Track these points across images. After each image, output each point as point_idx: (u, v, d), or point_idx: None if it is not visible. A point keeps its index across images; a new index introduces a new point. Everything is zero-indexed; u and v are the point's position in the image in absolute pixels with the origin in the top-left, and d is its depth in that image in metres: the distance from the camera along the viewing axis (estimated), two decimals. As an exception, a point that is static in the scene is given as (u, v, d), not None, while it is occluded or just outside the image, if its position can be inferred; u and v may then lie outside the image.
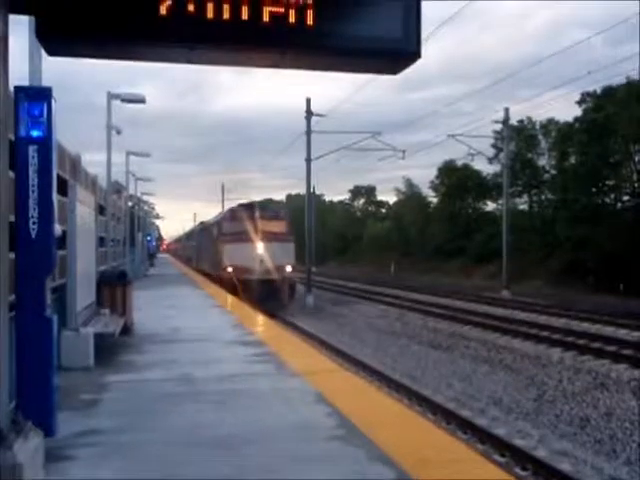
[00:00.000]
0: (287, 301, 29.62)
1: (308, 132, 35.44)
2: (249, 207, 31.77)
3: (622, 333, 19.30)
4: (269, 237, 29.45)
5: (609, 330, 20.12)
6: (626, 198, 41.70)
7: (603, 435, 11.08)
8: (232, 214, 32.07)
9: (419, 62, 3.28)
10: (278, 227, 30.54)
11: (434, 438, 5.77)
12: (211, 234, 35.47)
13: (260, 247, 29.12)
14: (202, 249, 42.87)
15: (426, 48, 3.09)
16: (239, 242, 29.29)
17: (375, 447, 5.34)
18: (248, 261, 28.70)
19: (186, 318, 14.98)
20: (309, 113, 35.42)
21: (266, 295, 27.42)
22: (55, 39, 2.69)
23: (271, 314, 22.42)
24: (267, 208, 32.81)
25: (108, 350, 10.09)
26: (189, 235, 65.04)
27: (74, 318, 9.30)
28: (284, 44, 2.85)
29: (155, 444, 5.62)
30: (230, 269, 28.93)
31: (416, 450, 5.39)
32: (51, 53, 2.84)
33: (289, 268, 29.81)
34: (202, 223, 49.00)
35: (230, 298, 21.75)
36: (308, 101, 35.58)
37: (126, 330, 12.09)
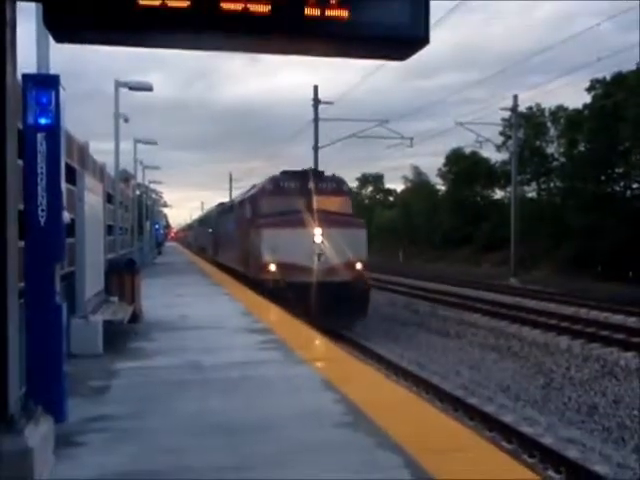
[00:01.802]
0: (360, 314, 19.88)
1: (316, 120, 35.34)
2: (299, 176, 21.18)
3: (631, 321, 19.24)
4: (331, 220, 19.80)
5: (618, 318, 20.07)
6: (635, 186, 41.44)
7: (611, 423, 11.07)
8: (275, 186, 21.23)
9: (428, 49, 3.25)
10: (342, 205, 21.14)
11: (442, 425, 5.78)
12: (239, 216, 25.54)
13: (319, 235, 19.30)
14: (223, 237, 33.32)
15: (435, 35, 3.07)
16: (287, 227, 19.41)
17: (383, 434, 5.36)
18: (301, 256, 19.10)
19: (194, 306, 15.02)
20: (316, 101, 35.31)
21: (328, 306, 18.26)
22: (62, 25, 2.69)
23: (335, 333, 16.57)
24: (326, 178, 21.56)
25: (117, 337, 10.14)
26: (203, 220, 55.05)
27: (83, 306, 9.35)
28: (291, 30, 2.84)
29: (164, 431, 5.65)
30: (273, 267, 19.24)
31: (424, 437, 5.40)
32: (58, 40, 2.84)
33: (359, 266, 19.80)
34: (222, 204, 40.51)
35: (268, 306, 15.35)
36: (315, 89, 35.47)
37: (135, 318, 12.15)
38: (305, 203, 20.24)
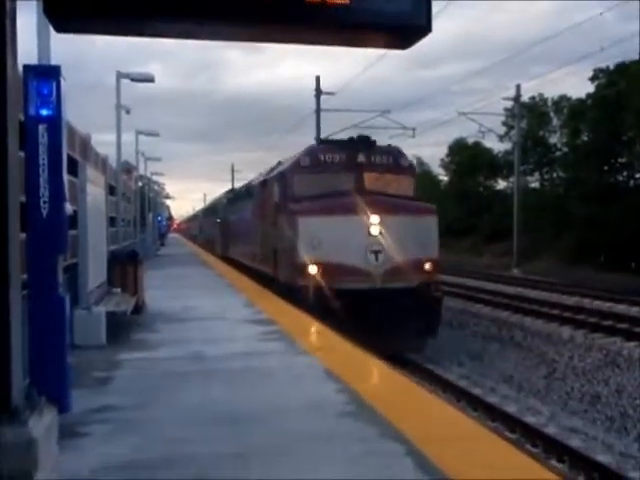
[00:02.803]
0: (429, 331, 14.97)
1: (317, 110, 35.28)
2: (345, 146, 16.03)
3: (634, 311, 19.23)
4: (392, 205, 14.95)
5: (621, 308, 20.06)
6: (639, 176, 41.34)
7: (614, 412, 11.09)
8: (313, 160, 15.94)
9: (430, 39, 3.23)
10: (403, 185, 16.05)
11: (444, 415, 5.79)
12: (262, 201, 20.05)
13: (377, 225, 14.36)
14: (237, 228, 27.48)
15: (437, 24, 3.04)
16: (332, 214, 14.54)
17: (385, 424, 5.37)
18: (353, 254, 14.29)
19: (197, 297, 15.04)
20: (318, 91, 35.24)
21: (388, 322, 13.84)
22: (63, 15, 2.67)
23: (399, 357, 13.25)
24: (380, 149, 16.30)
25: (120, 329, 10.16)
26: (210, 209, 47.29)
27: (86, 297, 9.36)
28: (293, 18, 2.82)
29: (167, 421, 5.67)
30: (314, 269, 14.28)
31: (426, 427, 5.41)
32: (59, 29, 2.83)
33: (429, 266, 14.86)
34: (232, 191, 35.68)
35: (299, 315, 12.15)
36: (317, 79, 35.40)
37: (138, 309, 12.17)
38: (354, 182, 15.13)
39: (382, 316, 13.65)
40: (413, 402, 6.21)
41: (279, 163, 19.94)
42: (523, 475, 4.35)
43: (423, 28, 3.02)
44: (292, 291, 14.74)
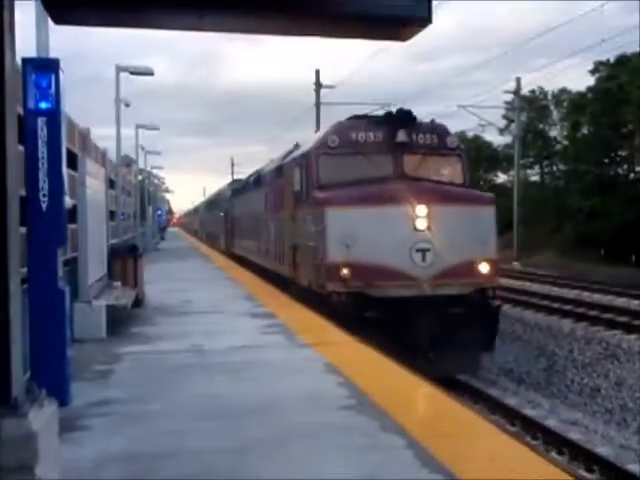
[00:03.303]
0: (484, 346, 12.29)
1: (317, 104, 35.21)
2: (381, 122, 13.31)
3: (634, 304, 19.22)
4: (442, 193, 12.50)
5: (621, 301, 20.05)
6: (639, 169, 41.31)
7: (613, 405, 11.11)
8: (344, 138, 13.18)
9: (431, 32, 3.22)
10: (451, 171, 13.67)
11: (445, 408, 5.79)
12: (277, 189, 17.33)
13: (424, 218, 11.84)
14: (244, 222, 24.95)
15: (438, 17, 3.02)
16: (369, 205, 11.98)
17: (386, 417, 5.37)
18: (394, 253, 11.75)
19: (197, 291, 15.04)
20: (318, 85, 35.17)
21: (438, 335, 11.46)
22: (61, 6, 2.66)
23: (449, 378, 11.12)
24: (424, 127, 13.63)
25: (120, 322, 10.16)
26: (213, 201, 43.94)
27: (86, 290, 9.36)
28: (293, 9, 2.81)
29: (167, 414, 5.67)
30: (346, 272, 11.71)
31: (427, 420, 5.42)
32: (58, 21, 2.82)
33: (487, 268, 12.07)
34: (237, 181, 31.98)
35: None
36: (317, 73, 35.31)
37: (138, 302, 12.18)
38: (393, 165, 12.71)
39: (430, 330, 11.22)
40: (414, 395, 6.22)
41: (297, 146, 17.03)
42: (524, 468, 4.35)
43: (423, 20, 3.01)
44: (317, 298, 12.10)
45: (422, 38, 3.30)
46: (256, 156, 58.12)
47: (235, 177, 40.24)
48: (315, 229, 12.48)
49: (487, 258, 11.97)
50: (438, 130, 13.51)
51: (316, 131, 25.07)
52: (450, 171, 13.51)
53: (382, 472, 4.28)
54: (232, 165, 74.09)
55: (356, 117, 13.90)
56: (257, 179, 22.24)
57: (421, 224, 11.58)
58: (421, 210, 11.61)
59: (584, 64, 44.24)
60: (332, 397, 6.03)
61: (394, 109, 13.62)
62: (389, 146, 12.81)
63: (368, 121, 13.47)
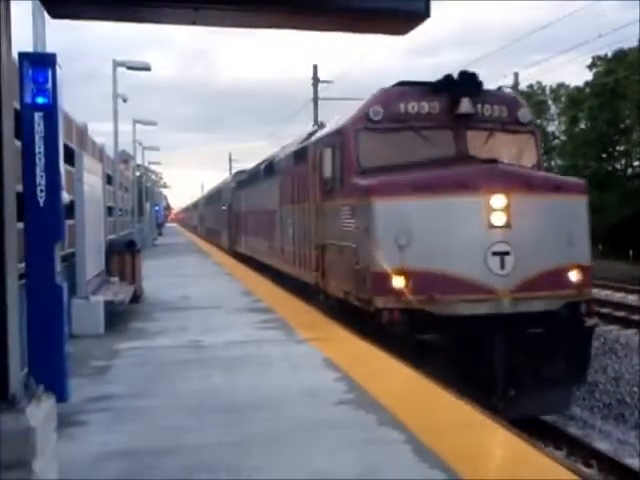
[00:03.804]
0: (576, 375, 9.50)
1: (315, 99, 35.13)
2: (438, 91, 10.27)
3: (631, 299, 19.26)
4: (523, 180, 9.40)
5: (619, 296, 20.08)
6: (636, 164, 41.34)
7: (611, 399, 11.13)
8: (390, 110, 10.20)
9: (429, 27, 3.20)
10: (524, 151, 10.79)
11: (444, 403, 5.79)
12: (295, 179, 14.65)
13: (501, 211, 8.94)
14: (252, 218, 22.32)
15: (436, 12, 3.00)
16: (429, 195, 9.10)
17: (384, 412, 5.38)
18: (463, 257, 8.93)
19: (195, 286, 15.04)
20: (316, 80, 35.10)
21: (520, 365, 8.87)
22: (57, 0, 2.65)
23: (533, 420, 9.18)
24: (490, 97, 10.63)
25: (118, 318, 10.16)
26: (214, 195, 40.69)
27: (84, 286, 9.35)
28: (290, 3, 2.80)
29: (165, 410, 5.67)
30: (400, 282, 8.91)
31: (425, 414, 5.42)
32: (54, 15, 2.80)
33: (579, 276, 9.36)
34: (243, 172, 27.96)
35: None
36: (315, 68, 35.24)
37: (136, 298, 12.18)
38: (454, 144, 10.16)
39: (509, 359, 8.68)
40: (413, 390, 6.22)
41: (321, 125, 14.50)
42: (522, 461, 4.36)
43: (421, 14, 3.00)
44: (356, 314, 9.73)
45: (420, 32, 3.29)
46: (254, 151, 58.08)
47: (233, 173, 36.40)
48: (355, 226, 9.81)
49: (579, 264, 9.33)
50: (508, 100, 10.94)
51: (314, 126, 22.23)
52: (521, 151, 10.66)
53: (381, 466, 4.29)
54: (230, 160, 73.99)
55: (404, 83, 10.67)
56: (269, 167, 19.06)
57: (498, 219, 8.83)
58: (499, 200, 8.85)
59: (582, 59, 44.26)
60: (330, 392, 6.03)
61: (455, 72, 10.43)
62: (449, 119, 10.11)
63: (421, 88, 10.43)
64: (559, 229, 9.23)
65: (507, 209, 8.85)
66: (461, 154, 9.96)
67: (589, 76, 42.25)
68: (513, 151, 10.64)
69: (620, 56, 38.79)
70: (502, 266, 8.76)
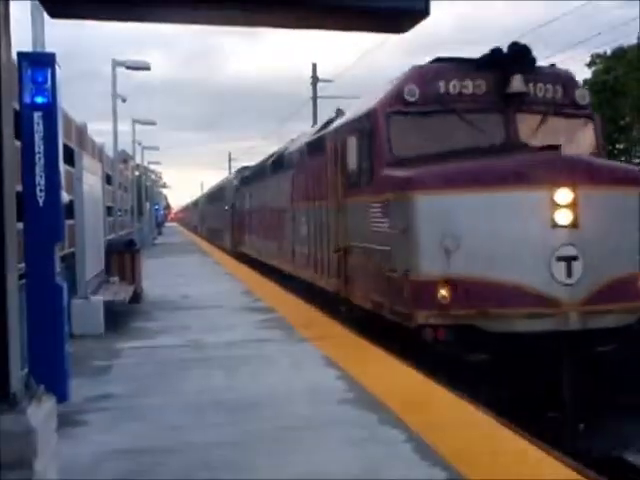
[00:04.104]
0: None
1: (314, 98, 35.13)
2: (483, 67, 8.67)
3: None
4: (592, 170, 7.83)
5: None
6: (636, 161, 41.32)
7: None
8: (426, 89, 8.65)
9: (429, 25, 3.19)
10: (582, 138, 9.32)
11: (444, 401, 5.80)
12: (311, 172, 13.13)
13: (567, 208, 7.35)
14: (259, 217, 20.80)
15: (435, 10, 2.98)
16: (478, 188, 7.60)
17: (385, 410, 5.38)
18: (522, 263, 7.39)
19: (195, 285, 15.04)
20: (315, 78, 35.10)
21: (591, 393, 7.04)
22: (57, 0, 2.65)
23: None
24: (543, 74, 8.97)
25: (118, 317, 10.16)
26: (216, 193, 38.78)
27: (84, 286, 9.35)
28: (289, 2, 2.79)
29: (166, 409, 5.68)
30: (445, 292, 7.42)
31: (426, 413, 5.42)
32: (53, 15, 2.79)
33: None
34: (247, 168, 26.48)
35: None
36: (314, 66, 35.23)
37: (136, 298, 12.17)
38: (506, 128, 8.71)
39: (579, 386, 7.13)
40: (412, 388, 6.22)
41: (339, 112, 12.59)
42: (525, 460, 4.36)
43: (421, 12, 2.99)
44: (391, 328, 8.33)
45: (421, 31, 3.28)
46: (254, 150, 58.12)
47: (237, 169, 33.43)
48: (389, 225, 8.39)
49: None
50: (564, 79, 9.32)
51: (313, 125, 21.44)
52: (580, 137, 9.30)
53: (381, 465, 4.29)
54: (229, 160, 74.02)
55: (443, 60, 9.15)
56: (278, 162, 17.49)
57: (564, 217, 7.37)
58: (564, 195, 7.38)
59: (581, 57, 44.27)
60: (331, 391, 6.03)
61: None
62: (497, 100, 8.66)
63: (463, 64, 8.96)
64: (632, 229, 7.70)
65: (574, 205, 7.36)
66: (512, 140, 8.52)
67: (588, 74, 42.25)
68: (570, 136, 9.11)
69: (619, 54, 38.79)
70: (569, 274, 7.28)
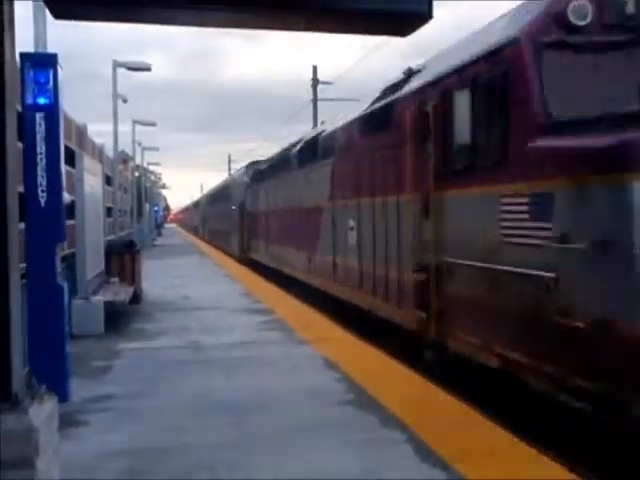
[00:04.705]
0: None
1: (314, 100, 35.14)
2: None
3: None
4: None
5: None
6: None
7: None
8: (601, 6, 5.44)
9: (429, 27, 3.19)
10: None
11: (443, 403, 5.80)
12: (365, 158, 9.85)
13: None
14: (279, 219, 17.70)
15: (436, 12, 2.99)
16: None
17: (385, 412, 5.38)
18: None
19: (195, 287, 15.03)
20: (315, 81, 35.11)
21: None
22: (60, 1, 2.66)
23: None
24: None
25: (118, 318, 10.16)
26: (221, 192, 35.80)
27: (84, 286, 9.36)
28: (291, 5, 2.80)
29: (166, 410, 5.68)
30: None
31: (426, 414, 5.43)
32: (57, 16, 2.81)
33: None
34: (257, 163, 23.57)
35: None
36: (314, 69, 35.25)
37: (136, 298, 12.17)
38: None
39: None
40: (412, 390, 6.23)
41: (410, 71, 8.86)
42: (523, 462, 4.37)
43: (424, 15, 3.00)
44: (554, 408, 5.48)
45: (423, 34, 3.28)
46: (254, 152, 58.03)
47: (246, 164, 27.12)
48: (556, 234, 5.25)
49: None
50: None
51: (313, 127, 18.79)
52: None
53: (382, 466, 4.29)
54: (229, 161, 73.97)
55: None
56: (307, 149, 14.28)
57: None
58: None
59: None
60: (331, 392, 6.04)
61: None
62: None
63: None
64: None
65: None
66: None
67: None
68: None
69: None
70: None
